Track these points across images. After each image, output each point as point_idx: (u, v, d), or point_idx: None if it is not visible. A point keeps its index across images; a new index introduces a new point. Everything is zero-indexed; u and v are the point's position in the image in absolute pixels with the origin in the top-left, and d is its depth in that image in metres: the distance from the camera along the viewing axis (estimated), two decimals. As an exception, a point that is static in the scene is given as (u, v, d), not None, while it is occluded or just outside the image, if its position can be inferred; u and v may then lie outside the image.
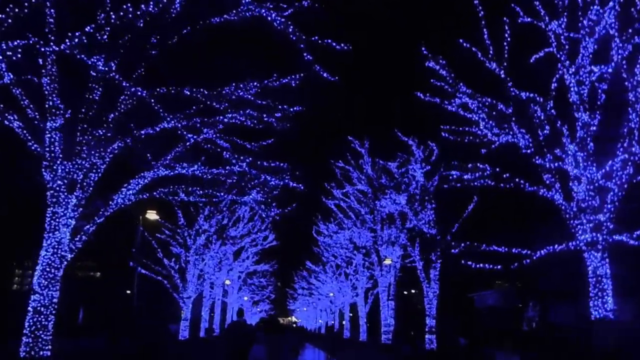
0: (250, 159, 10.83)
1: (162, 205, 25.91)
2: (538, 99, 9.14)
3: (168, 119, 11.88)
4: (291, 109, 9.80)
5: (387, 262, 23.99)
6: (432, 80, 12.26)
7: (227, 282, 40.00)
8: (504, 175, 9.63)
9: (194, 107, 12.24)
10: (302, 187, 10.50)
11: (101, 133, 11.32)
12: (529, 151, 9.45)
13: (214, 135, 12.09)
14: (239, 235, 30.55)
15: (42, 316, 11.23)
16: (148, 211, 16.11)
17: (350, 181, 25.35)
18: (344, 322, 45.51)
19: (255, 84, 9.71)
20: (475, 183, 10.41)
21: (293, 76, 9.28)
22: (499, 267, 9.85)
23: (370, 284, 33.64)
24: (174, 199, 14.32)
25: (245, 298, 61.82)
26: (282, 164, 10.61)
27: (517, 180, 9.55)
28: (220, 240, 28.28)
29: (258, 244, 34.28)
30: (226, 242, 29.17)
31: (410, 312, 39.27)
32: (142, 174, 12.21)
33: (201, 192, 12.75)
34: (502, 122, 9.69)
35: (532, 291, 26.31)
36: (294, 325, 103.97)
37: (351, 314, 43.94)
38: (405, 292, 45.00)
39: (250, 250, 34.44)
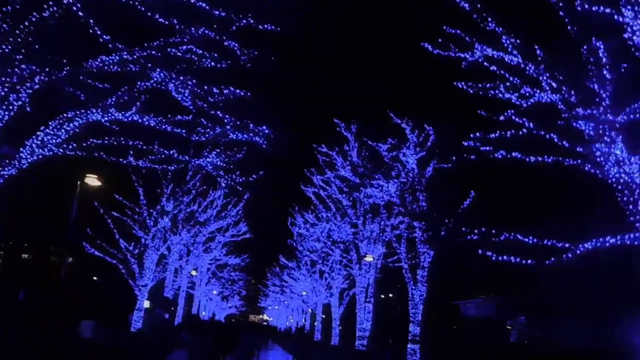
0: (191, 84, 8.07)
1: (123, 180, 23.32)
2: (617, 18, 6.56)
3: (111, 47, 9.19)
4: (260, 26, 7.23)
5: (368, 259, 21.48)
6: (444, 27, 9.79)
7: (194, 272, 37.20)
8: (547, 136, 7.14)
9: (145, 45, 9.65)
10: (265, 130, 7.90)
11: (6, 50, 8.52)
12: (580, 110, 6.94)
13: (168, 79, 9.44)
14: (208, 221, 27.87)
15: None
16: (87, 175, 13.24)
17: (332, 167, 22.80)
18: (315, 324, 43.03)
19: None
20: (497, 154, 7.96)
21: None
22: (529, 261, 7.41)
23: (346, 284, 31.38)
24: (122, 162, 11.61)
25: (215, 292, 58.82)
26: (240, 91, 7.91)
27: (562, 143, 7.06)
28: (187, 226, 25.62)
29: (229, 231, 31.66)
30: (192, 227, 26.49)
31: (387, 317, 36.87)
32: (65, 115, 9.45)
33: (145, 147, 10.01)
34: (547, 71, 7.22)
35: (529, 304, 24.03)
36: (265, 323, 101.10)
37: (324, 316, 41.51)
38: (382, 296, 42.57)
39: (219, 238, 31.71)
